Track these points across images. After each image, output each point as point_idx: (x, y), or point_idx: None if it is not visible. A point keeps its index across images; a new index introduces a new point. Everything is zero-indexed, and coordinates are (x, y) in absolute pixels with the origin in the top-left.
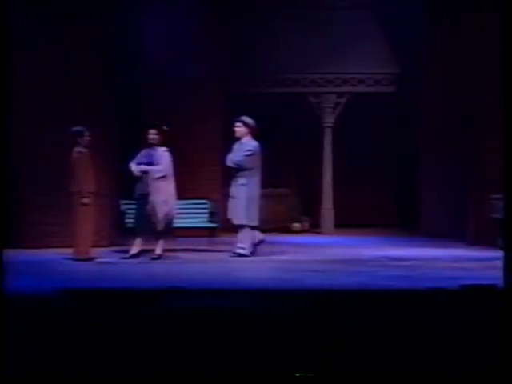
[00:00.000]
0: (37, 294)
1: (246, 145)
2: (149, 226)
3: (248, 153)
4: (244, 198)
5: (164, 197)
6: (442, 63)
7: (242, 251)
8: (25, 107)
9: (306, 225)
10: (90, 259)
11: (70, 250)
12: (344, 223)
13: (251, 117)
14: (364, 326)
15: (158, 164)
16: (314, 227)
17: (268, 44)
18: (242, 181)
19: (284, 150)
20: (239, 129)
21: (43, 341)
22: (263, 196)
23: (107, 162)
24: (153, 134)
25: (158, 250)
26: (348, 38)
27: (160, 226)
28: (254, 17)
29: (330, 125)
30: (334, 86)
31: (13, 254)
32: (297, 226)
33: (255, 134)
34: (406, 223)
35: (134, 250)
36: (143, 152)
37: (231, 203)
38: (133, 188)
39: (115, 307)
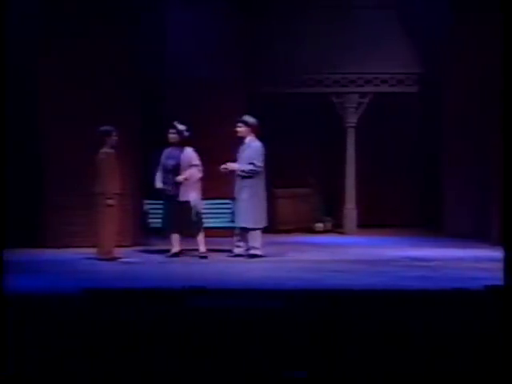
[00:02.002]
0: (59, 293)
1: (251, 146)
2: (183, 225)
3: (260, 157)
4: (247, 200)
5: (199, 196)
6: (465, 63)
7: (255, 251)
8: (49, 107)
9: (329, 225)
10: (113, 259)
11: (93, 250)
12: (367, 223)
13: (275, 117)
14: (385, 326)
15: (185, 163)
16: (337, 227)
17: (291, 44)
18: (245, 183)
19: (307, 150)
20: (241, 129)
21: (65, 340)
22: (286, 196)
23: (130, 161)
24: (172, 134)
25: (202, 248)
26: (371, 37)
27: (198, 225)
28: (277, 17)
29: (353, 125)
30: (357, 86)
31: (36, 254)
32: (319, 226)
33: (257, 133)
34: (429, 223)
35: (176, 249)
36: (167, 152)
37: (235, 205)
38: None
39: (138, 307)
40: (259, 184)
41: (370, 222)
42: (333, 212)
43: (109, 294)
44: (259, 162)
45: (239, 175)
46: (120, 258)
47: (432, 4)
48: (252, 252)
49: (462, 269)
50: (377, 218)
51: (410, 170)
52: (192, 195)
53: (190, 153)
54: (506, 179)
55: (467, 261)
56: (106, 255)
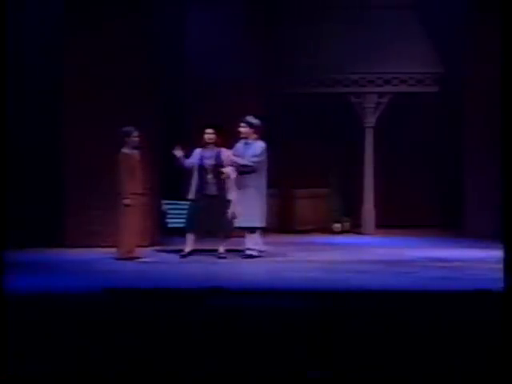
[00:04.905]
0: (80, 293)
1: (253, 145)
2: (216, 227)
3: (259, 154)
4: (256, 200)
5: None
6: (486, 63)
7: (253, 252)
8: (69, 107)
9: (347, 225)
10: (133, 259)
11: (113, 250)
12: (386, 224)
13: (294, 117)
14: (404, 327)
15: (227, 163)
16: (356, 227)
17: (310, 44)
18: (252, 183)
19: (325, 150)
20: (244, 129)
21: (85, 340)
22: (304, 197)
23: (149, 161)
24: (210, 134)
25: (222, 248)
26: (390, 37)
27: (229, 225)
28: (296, 17)
29: (372, 125)
30: (376, 86)
31: (56, 254)
32: (337, 226)
33: (261, 134)
34: (450, 224)
35: (189, 248)
36: (201, 152)
37: (241, 205)
38: (190, 187)
39: (157, 306)
40: (263, 184)
41: (388, 222)
42: (351, 212)
43: (129, 293)
44: (257, 158)
45: (240, 174)
46: (139, 257)
47: (451, 3)
48: (249, 253)
49: (483, 270)
50: (396, 218)
51: (429, 170)
52: (233, 194)
53: (227, 152)
54: (505, 179)
55: (489, 262)
56: (126, 255)
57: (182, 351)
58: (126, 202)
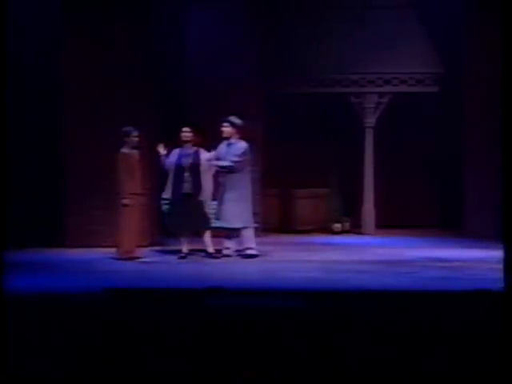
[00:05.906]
0: (80, 293)
1: (235, 145)
2: (193, 225)
3: (240, 154)
4: (242, 200)
5: (208, 196)
6: (486, 63)
7: (253, 252)
8: (70, 107)
9: (347, 225)
10: (133, 259)
11: (113, 250)
12: (386, 224)
13: (294, 117)
14: (405, 327)
15: (205, 162)
16: (356, 227)
17: (310, 44)
18: (236, 184)
19: (325, 150)
20: (226, 129)
21: (85, 339)
22: (305, 197)
23: (150, 161)
24: (187, 132)
25: (211, 248)
26: (390, 37)
27: (207, 224)
28: (296, 17)
29: (372, 125)
30: (376, 86)
31: (56, 254)
32: (337, 226)
33: (243, 134)
34: (450, 224)
35: (185, 248)
36: (179, 151)
37: (227, 206)
38: (169, 186)
39: (158, 306)
40: (247, 184)
41: (388, 222)
42: (351, 212)
43: (129, 293)
44: (237, 158)
45: (222, 175)
46: (139, 257)
47: (450, 3)
48: (249, 252)
49: (483, 270)
50: (396, 218)
51: (429, 170)
52: (209, 194)
53: (206, 152)
54: (505, 179)
55: (489, 262)
56: (125, 255)
57: (182, 351)
58: (125, 201)
